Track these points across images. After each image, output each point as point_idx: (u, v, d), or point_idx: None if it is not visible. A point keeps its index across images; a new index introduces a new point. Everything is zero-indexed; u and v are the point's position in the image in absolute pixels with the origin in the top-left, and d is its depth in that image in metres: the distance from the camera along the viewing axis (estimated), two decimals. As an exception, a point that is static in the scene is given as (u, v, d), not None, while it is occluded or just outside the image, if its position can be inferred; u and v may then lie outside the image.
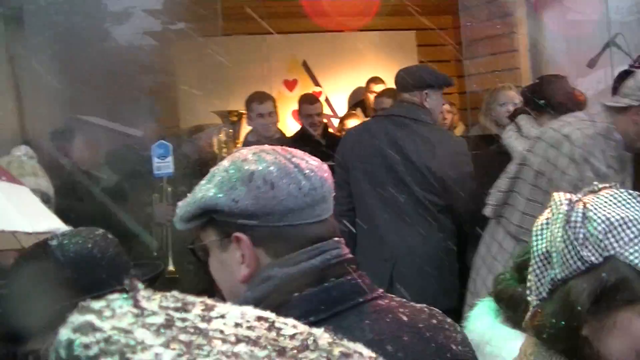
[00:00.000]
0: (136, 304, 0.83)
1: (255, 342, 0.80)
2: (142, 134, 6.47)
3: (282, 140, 6.29)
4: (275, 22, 8.56)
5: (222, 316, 0.84)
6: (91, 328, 0.78)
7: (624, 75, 4.36)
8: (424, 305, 1.94)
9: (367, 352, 0.85)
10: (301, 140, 6.65)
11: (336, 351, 0.82)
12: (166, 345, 0.77)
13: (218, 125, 6.66)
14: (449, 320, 1.91)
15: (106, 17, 8.44)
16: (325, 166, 1.98)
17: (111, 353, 0.75)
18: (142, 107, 7.12)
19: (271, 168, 1.87)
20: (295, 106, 7.69)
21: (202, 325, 0.81)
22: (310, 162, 1.94)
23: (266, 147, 2.00)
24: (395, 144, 4.71)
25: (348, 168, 4.85)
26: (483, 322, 2.39)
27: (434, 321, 1.87)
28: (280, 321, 0.86)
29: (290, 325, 0.85)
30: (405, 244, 4.65)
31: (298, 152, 1.99)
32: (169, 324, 0.80)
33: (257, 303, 1.72)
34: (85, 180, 5.55)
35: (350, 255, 1.91)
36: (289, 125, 8.60)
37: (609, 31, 6.90)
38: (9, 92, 6.33)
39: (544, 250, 1.68)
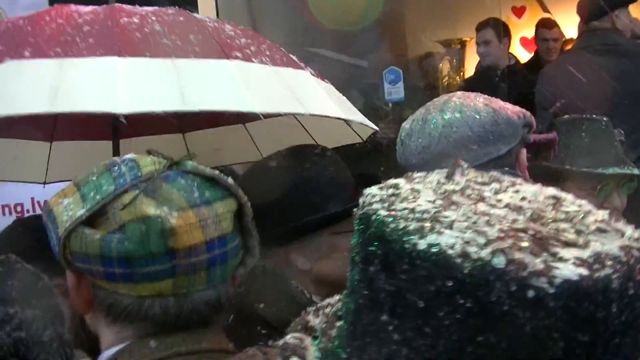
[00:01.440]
0: (448, 176, 1.00)
1: (519, 210, 0.91)
2: (368, 65, 6.60)
3: (515, 68, 6.24)
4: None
5: (517, 191, 0.97)
6: (392, 186, 0.98)
7: None
8: None
9: (629, 231, 0.90)
10: (533, 68, 6.55)
11: (593, 226, 0.89)
12: (431, 200, 0.93)
13: (441, 53, 6.70)
14: None
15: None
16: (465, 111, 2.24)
17: (384, 201, 0.94)
18: (370, 37, 7.23)
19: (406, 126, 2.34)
20: (524, 33, 7.56)
21: (488, 194, 0.96)
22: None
23: (444, 96, 2.35)
24: (599, 77, 4.49)
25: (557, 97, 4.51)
26: None
27: None
28: (569, 200, 0.96)
29: (575, 204, 0.95)
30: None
31: (469, 96, 2.29)
32: (458, 190, 0.96)
33: None
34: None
35: None
36: (519, 54, 8.46)
37: None
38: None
39: None
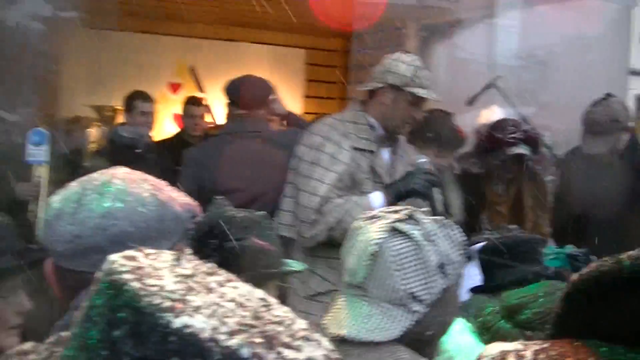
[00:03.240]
0: (177, 259, 1.08)
1: (243, 306, 1.02)
2: (18, 119, 6.34)
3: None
4: (169, 24, 8.53)
5: (235, 287, 1.07)
6: (132, 259, 1.04)
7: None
8: None
9: (325, 342, 1.02)
10: (177, 143, 6.71)
11: (300, 333, 1.01)
12: (174, 281, 1.02)
13: (90, 118, 6.63)
14: None
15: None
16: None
17: (133, 273, 1.01)
18: (22, 92, 6.98)
19: None
20: (177, 110, 7.63)
21: (213, 285, 1.05)
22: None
23: (103, 173, 2.00)
24: (251, 160, 4.71)
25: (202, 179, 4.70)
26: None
27: None
28: (276, 304, 1.06)
29: (282, 310, 1.05)
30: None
31: (134, 180, 1.99)
32: (190, 276, 1.05)
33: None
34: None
35: None
36: (169, 128, 8.55)
37: (494, 73, 7.09)
38: None
39: None
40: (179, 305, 0.98)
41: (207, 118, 7.51)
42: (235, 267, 2.61)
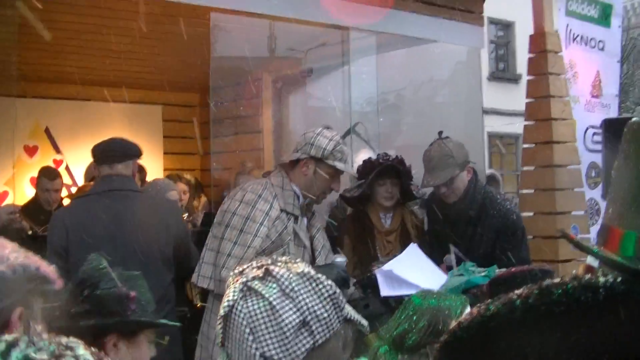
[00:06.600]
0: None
1: None
2: None
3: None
4: (21, 85, 8.34)
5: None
6: None
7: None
8: None
9: None
10: (34, 208, 6.61)
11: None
12: None
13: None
14: None
15: None
16: None
17: None
18: None
19: None
20: (35, 173, 7.44)
21: None
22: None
23: None
24: (117, 218, 4.65)
25: (67, 250, 4.57)
26: None
27: None
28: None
29: None
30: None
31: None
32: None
33: None
34: None
35: None
36: (27, 193, 8.33)
37: (350, 119, 7.25)
38: None
39: None
40: None
41: (65, 181, 7.33)
42: (106, 313, 2.81)
